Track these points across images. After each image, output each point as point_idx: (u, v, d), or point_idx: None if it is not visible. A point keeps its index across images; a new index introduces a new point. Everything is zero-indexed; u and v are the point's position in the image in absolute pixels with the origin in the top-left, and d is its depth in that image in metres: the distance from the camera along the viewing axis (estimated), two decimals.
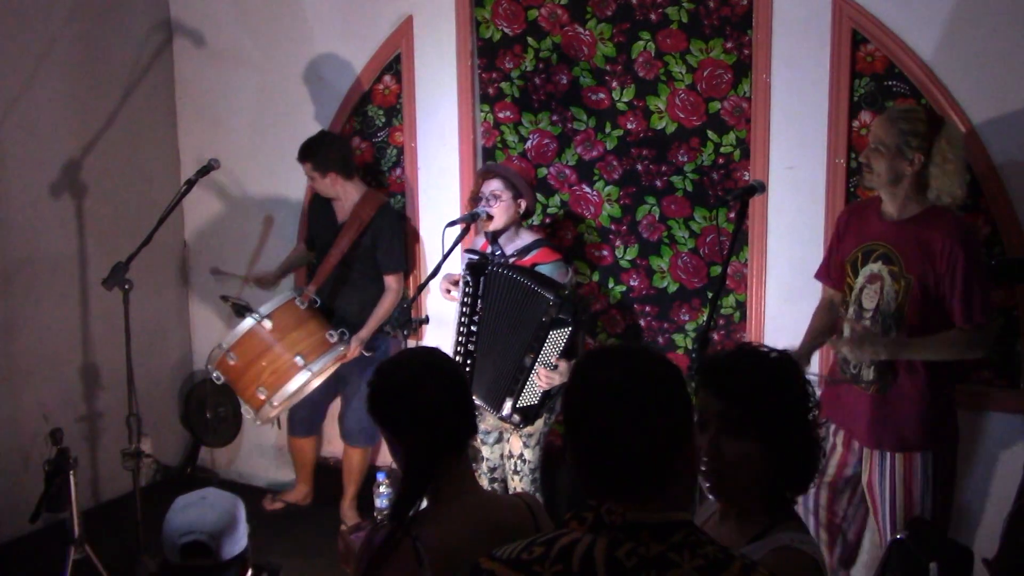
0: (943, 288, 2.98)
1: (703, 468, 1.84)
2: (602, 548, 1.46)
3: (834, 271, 3.31)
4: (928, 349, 3.02)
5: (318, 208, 4.54)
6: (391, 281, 4.41)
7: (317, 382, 4.31)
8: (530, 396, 3.63)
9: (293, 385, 4.12)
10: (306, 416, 4.61)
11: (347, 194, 4.39)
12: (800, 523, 1.93)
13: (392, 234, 4.40)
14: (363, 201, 4.38)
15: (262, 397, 4.12)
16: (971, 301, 2.96)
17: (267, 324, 4.10)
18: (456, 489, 2.04)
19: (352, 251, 4.36)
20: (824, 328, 3.34)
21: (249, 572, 2.41)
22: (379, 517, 3.30)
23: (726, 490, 1.87)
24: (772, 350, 1.95)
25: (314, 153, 4.32)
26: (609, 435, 1.49)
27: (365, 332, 4.32)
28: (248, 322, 4.09)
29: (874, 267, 3.09)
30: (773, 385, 1.85)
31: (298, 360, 4.11)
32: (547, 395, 3.63)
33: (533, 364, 3.58)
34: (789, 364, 1.90)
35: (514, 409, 3.63)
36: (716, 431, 1.82)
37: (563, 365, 3.56)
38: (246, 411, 4.21)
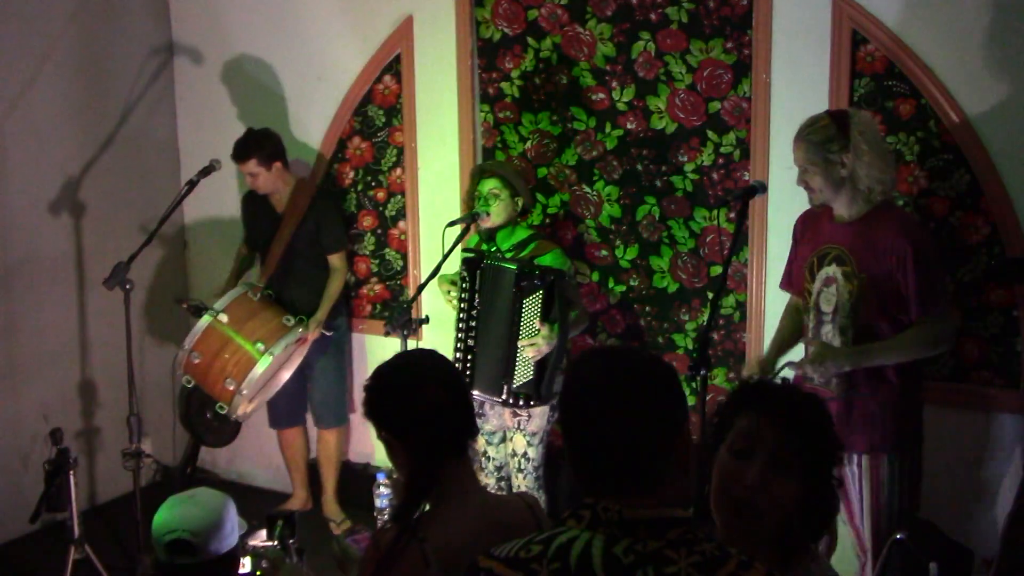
0: (896, 285, 2.98)
1: (743, 498, 1.69)
2: (599, 545, 1.47)
3: (796, 278, 3.33)
4: (891, 352, 3.00)
5: (252, 205, 4.59)
6: (336, 261, 4.52)
7: (287, 373, 4.40)
8: (524, 372, 3.64)
9: (259, 370, 4.16)
10: (285, 406, 4.62)
11: (286, 184, 4.48)
12: (813, 556, 1.80)
13: (333, 215, 4.54)
14: (298, 189, 4.49)
15: (231, 388, 4.17)
16: (925, 294, 2.97)
17: (223, 318, 4.16)
18: (458, 490, 2.04)
19: (296, 239, 4.44)
20: (790, 332, 3.35)
21: (251, 556, 2.39)
22: (379, 517, 3.30)
23: (753, 528, 1.70)
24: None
25: (258, 147, 4.38)
26: (601, 432, 1.51)
27: (321, 314, 4.41)
28: (205, 319, 4.17)
29: (829, 270, 3.10)
30: (826, 428, 1.75)
31: (259, 346, 4.16)
32: (541, 368, 3.62)
33: (517, 339, 3.61)
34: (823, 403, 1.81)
35: (510, 391, 3.65)
36: (767, 464, 1.68)
37: (545, 329, 3.57)
38: (220, 407, 4.24)
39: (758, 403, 1.75)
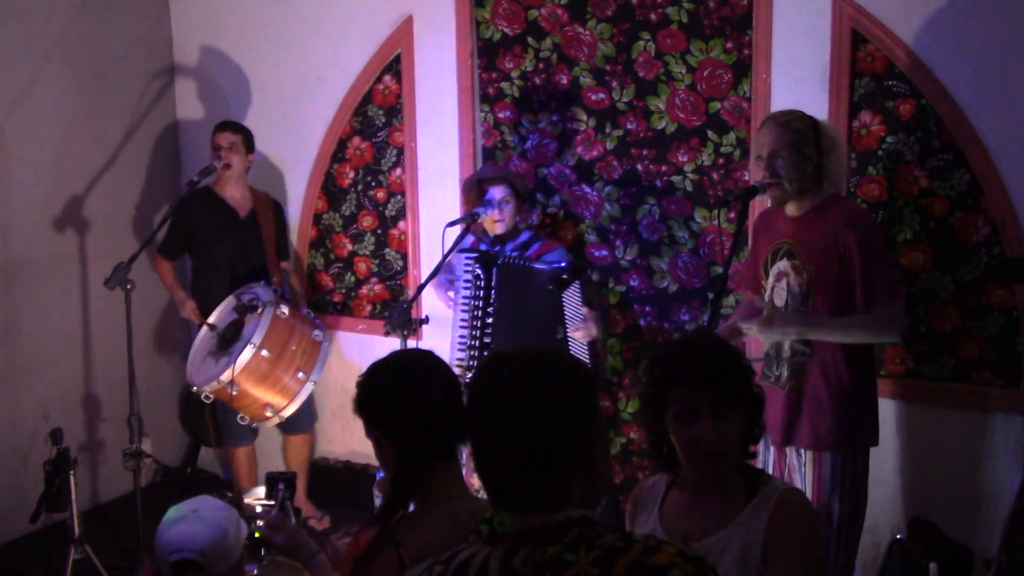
0: (843, 276, 2.97)
1: (708, 453, 1.99)
2: (497, 559, 1.43)
3: (745, 276, 3.36)
4: (837, 330, 2.98)
5: (203, 207, 4.50)
6: (289, 265, 4.71)
7: None
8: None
9: (301, 398, 4.09)
10: (245, 424, 4.27)
11: (245, 187, 4.58)
12: (768, 474, 2.21)
13: (286, 223, 4.76)
14: (256, 191, 4.62)
15: (269, 415, 4.09)
16: (870, 282, 2.95)
17: (264, 353, 3.96)
18: (443, 494, 2.01)
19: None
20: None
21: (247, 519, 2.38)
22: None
23: (725, 467, 2.04)
24: (703, 331, 2.22)
25: (246, 132, 4.54)
26: (502, 447, 1.46)
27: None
28: (247, 352, 3.92)
29: (780, 264, 3.11)
30: (739, 363, 2.07)
31: (300, 375, 4.07)
32: (593, 348, 3.76)
33: (564, 333, 3.69)
34: (724, 341, 2.18)
35: None
36: (713, 418, 1.98)
37: (587, 311, 3.70)
38: (241, 418, 4.13)
39: (683, 373, 2.01)
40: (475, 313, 3.75)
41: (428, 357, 2.15)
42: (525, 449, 1.44)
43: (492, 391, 1.49)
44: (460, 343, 3.78)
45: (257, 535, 2.26)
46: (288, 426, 4.53)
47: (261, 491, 2.54)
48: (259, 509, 2.37)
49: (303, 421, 4.57)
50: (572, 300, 3.69)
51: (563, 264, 3.74)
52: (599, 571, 1.37)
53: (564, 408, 1.46)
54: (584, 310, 3.70)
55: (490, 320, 3.73)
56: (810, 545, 2.05)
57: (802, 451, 3.08)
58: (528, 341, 3.67)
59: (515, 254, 3.82)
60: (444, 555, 1.50)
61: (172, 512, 2.33)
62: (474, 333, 3.75)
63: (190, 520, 2.28)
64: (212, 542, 2.24)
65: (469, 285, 3.76)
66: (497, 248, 3.86)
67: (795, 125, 3.02)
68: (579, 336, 3.70)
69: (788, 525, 2.01)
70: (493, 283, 3.73)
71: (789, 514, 2.02)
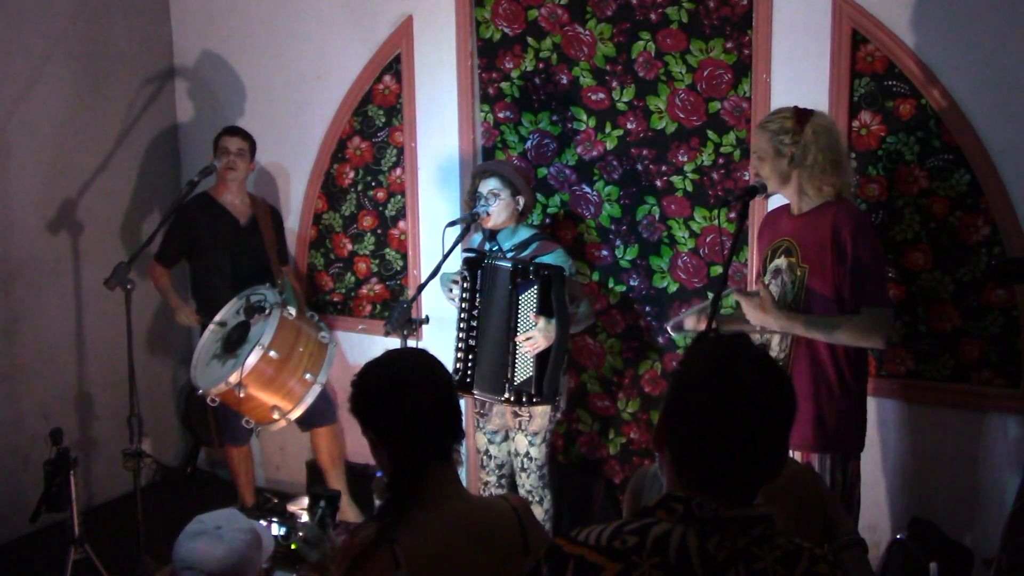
0: (837, 275, 2.98)
1: None
2: (693, 540, 1.47)
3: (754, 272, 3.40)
4: (819, 328, 2.98)
5: (203, 214, 4.49)
6: (291, 270, 4.75)
7: None
8: (523, 369, 3.64)
9: (308, 400, 4.06)
10: (249, 428, 4.20)
11: (244, 190, 4.62)
12: None
13: (283, 230, 4.77)
14: (254, 197, 4.64)
15: (276, 417, 4.04)
16: (862, 286, 2.97)
17: (272, 354, 3.93)
18: (440, 495, 2.00)
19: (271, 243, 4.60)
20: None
21: (287, 527, 2.37)
22: None
23: None
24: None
25: (252, 139, 4.56)
26: (744, 441, 1.49)
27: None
28: (255, 354, 3.88)
29: (778, 261, 3.14)
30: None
31: (308, 376, 4.04)
32: (542, 365, 3.61)
33: (515, 336, 3.62)
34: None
35: (512, 389, 3.65)
36: None
37: (541, 322, 3.58)
38: (247, 422, 4.08)
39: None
40: (461, 315, 3.77)
41: (420, 357, 2.11)
42: (759, 442, 1.51)
43: (747, 383, 1.51)
44: (457, 344, 3.79)
45: (294, 547, 2.25)
46: (309, 420, 4.41)
47: (305, 501, 2.53)
48: (302, 520, 2.37)
49: (325, 412, 4.51)
50: (527, 305, 3.62)
51: (528, 263, 3.64)
52: (784, 571, 1.46)
53: (792, 410, 1.55)
54: (534, 320, 3.58)
55: (475, 323, 3.73)
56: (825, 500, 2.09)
57: (791, 453, 3.08)
58: (494, 345, 3.69)
59: (510, 254, 3.82)
60: (629, 524, 1.52)
61: (195, 524, 2.29)
62: (460, 335, 3.77)
63: (210, 537, 2.24)
64: (226, 565, 2.21)
65: (459, 287, 3.79)
66: (496, 247, 3.86)
67: (771, 126, 3.07)
68: (524, 347, 3.60)
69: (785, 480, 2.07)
70: (478, 285, 3.73)
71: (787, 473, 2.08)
